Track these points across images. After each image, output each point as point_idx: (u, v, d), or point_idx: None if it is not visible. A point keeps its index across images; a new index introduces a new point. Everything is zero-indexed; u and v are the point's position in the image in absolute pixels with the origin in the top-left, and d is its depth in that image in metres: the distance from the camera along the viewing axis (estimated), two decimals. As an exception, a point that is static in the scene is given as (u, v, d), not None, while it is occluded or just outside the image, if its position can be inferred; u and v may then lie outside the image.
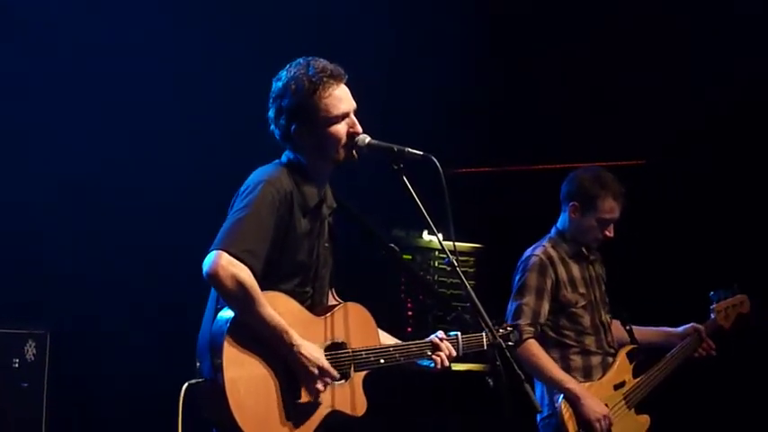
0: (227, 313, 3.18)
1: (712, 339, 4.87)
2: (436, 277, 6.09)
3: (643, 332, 4.90)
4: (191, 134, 5.75)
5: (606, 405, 4.58)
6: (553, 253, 4.71)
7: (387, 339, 3.57)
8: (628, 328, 4.85)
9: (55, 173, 5.59)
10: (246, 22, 5.95)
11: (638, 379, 4.75)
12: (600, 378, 4.69)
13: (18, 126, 5.53)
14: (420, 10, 6.30)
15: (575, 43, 6.42)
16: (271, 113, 3.43)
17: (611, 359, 4.73)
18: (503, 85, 6.48)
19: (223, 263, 3.12)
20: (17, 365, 5.01)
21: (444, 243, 3.30)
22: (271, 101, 3.43)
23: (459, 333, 3.59)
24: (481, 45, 6.45)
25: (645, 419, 4.75)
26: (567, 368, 4.64)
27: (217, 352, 3.13)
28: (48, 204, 5.58)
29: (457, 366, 5.14)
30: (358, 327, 3.42)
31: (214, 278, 3.13)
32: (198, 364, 3.20)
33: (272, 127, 3.44)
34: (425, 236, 6.02)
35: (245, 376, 3.13)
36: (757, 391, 6.08)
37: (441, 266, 6.04)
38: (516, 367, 3.16)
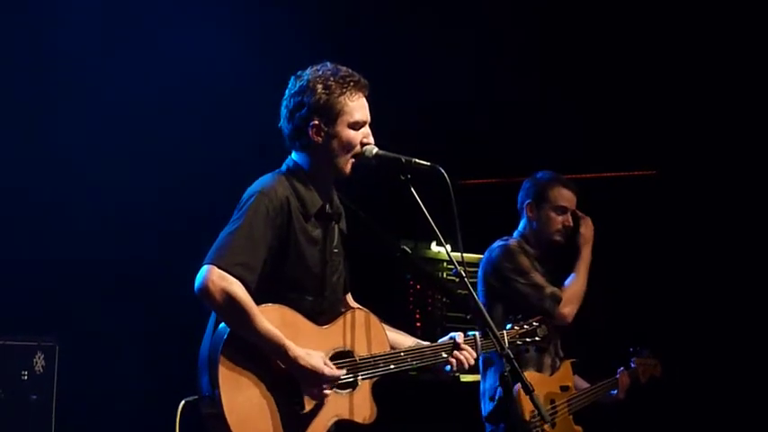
0: (223, 328, 3.15)
1: (630, 386, 5.02)
2: (444, 288, 6.07)
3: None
4: (202, 143, 5.76)
5: (553, 401, 4.58)
6: (523, 245, 4.74)
7: (402, 338, 3.53)
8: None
9: (67, 178, 5.61)
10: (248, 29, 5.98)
11: (582, 390, 4.79)
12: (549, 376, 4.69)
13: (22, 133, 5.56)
14: (423, 22, 6.30)
15: (585, 49, 6.44)
16: (286, 109, 3.37)
17: (559, 363, 4.74)
18: (511, 96, 6.48)
19: (213, 277, 3.09)
20: (26, 377, 5.01)
21: (452, 254, 3.29)
22: (288, 96, 3.37)
23: (477, 333, 3.54)
24: (487, 55, 6.45)
25: (579, 430, 4.72)
26: (522, 359, 4.50)
27: (213, 367, 3.09)
28: (58, 215, 5.59)
29: (465, 378, 5.13)
30: (364, 333, 3.38)
31: (204, 293, 3.09)
32: (198, 379, 3.17)
33: (284, 123, 3.39)
34: (434, 247, 6.02)
35: (243, 391, 3.10)
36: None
37: (449, 278, 6.04)
38: (525, 378, 3.12)
